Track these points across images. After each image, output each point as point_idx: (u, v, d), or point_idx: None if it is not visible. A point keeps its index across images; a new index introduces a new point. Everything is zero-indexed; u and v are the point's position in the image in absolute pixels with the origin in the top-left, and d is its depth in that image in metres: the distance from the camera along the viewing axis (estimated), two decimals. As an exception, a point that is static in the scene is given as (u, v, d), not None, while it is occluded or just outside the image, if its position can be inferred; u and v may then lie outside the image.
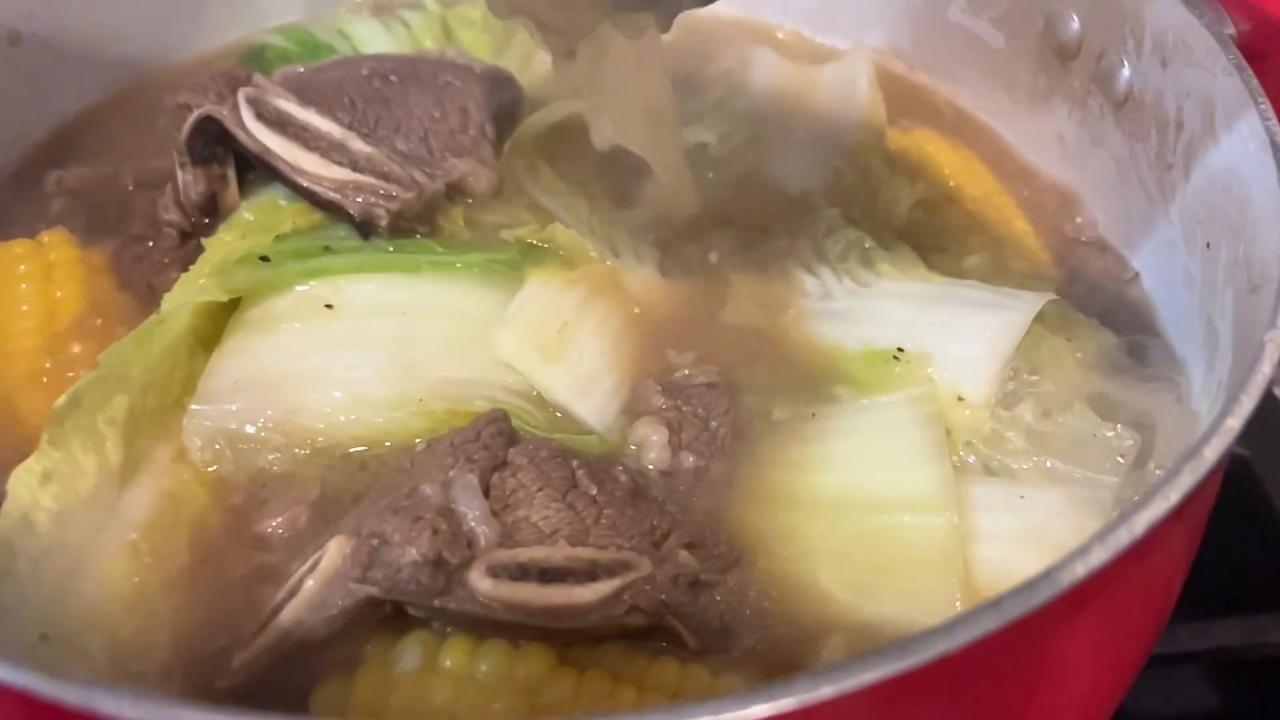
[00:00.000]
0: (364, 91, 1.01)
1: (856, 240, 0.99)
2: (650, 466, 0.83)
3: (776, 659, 0.73)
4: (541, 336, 0.88)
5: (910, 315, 0.92)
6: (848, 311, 0.94)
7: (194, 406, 0.83)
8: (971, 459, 0.85)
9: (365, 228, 0.92)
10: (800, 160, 1.11)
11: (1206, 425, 0.63)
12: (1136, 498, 0.83)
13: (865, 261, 0.98)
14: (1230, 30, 0.95)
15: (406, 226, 0.94)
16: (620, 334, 0.93)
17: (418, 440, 0.83)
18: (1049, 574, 0.53)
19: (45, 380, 0.88)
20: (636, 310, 0.95)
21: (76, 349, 0.90)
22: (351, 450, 0.83)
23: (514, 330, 0.88)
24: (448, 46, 1.17)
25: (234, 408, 0.83)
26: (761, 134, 1.13)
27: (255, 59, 1.19)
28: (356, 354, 0.86)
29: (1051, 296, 0.94)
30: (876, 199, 1.08)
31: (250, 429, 0.83)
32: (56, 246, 0.96)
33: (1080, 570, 0.54)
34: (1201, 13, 0.92)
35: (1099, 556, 0.54)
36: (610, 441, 0.85)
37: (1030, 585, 0.53)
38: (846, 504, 0.81)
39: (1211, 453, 0.60)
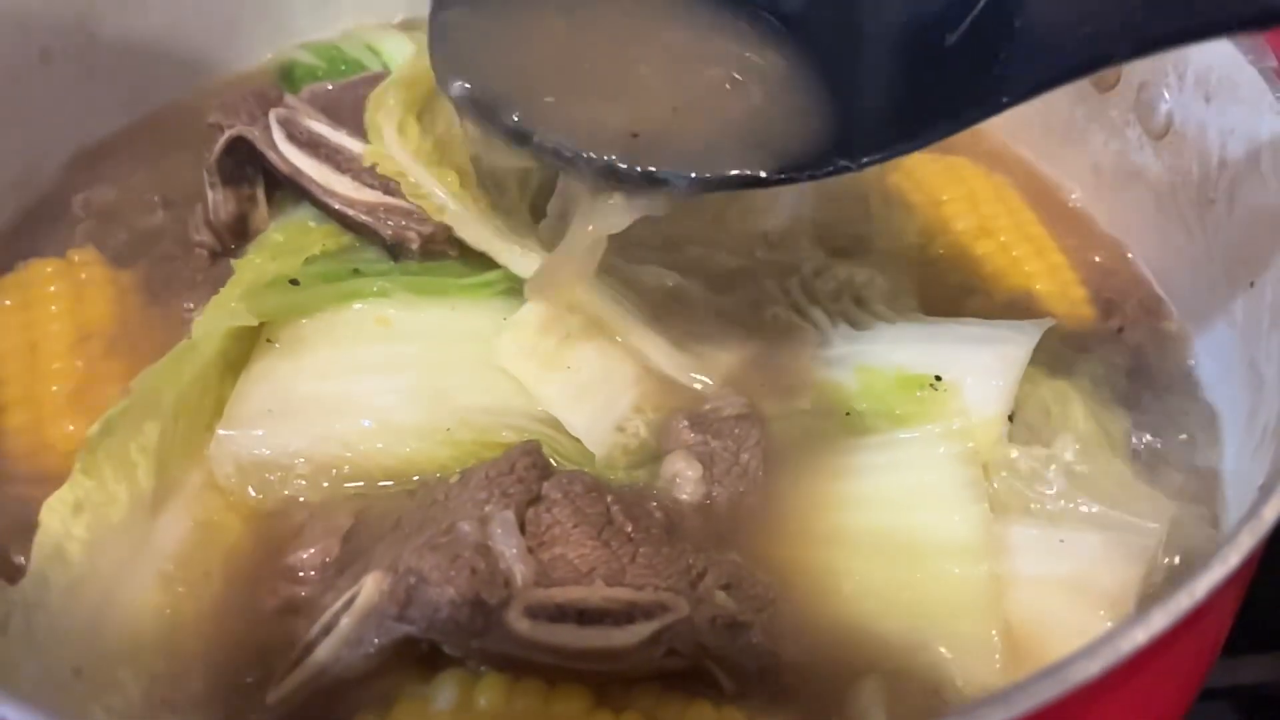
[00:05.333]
0: (398, 111, 1.00)
1: (847, 280, 0.96)
2: (684, 498, 0.81)
3: (812, 701, 0.72)
4: (542, 344, 0.86)
5: (908, 357, 0.89)
6: (844, 357, 0.91)
7: (221, 432, 0.83)
8: (1007, 496, 0.83)
9: (396, 250, 0.92)
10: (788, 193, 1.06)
11: (1263, 477, 0.62)
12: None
13: (859, 301, 0.95)
14: (1273, 64, 0.93)
15: (437, 250, 0.93)
16: (623, 356, 0.89)
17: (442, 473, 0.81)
18: (1111, 640, 0.52)
19: (76, 401, 0.87)
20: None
21: (107, 369, 0.90)
22: (380, 483, 0.82)
23: (514, 335, 0.87)
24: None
25: (261, 433, 0.82)
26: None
27: (285, 77, 1.18)
28: (383, 379, 0.85)
29: (1051, 323, 0.91)
30: (889, 227, 1.06)
31: (277, 456, 0.82)
32: (86, 266, 0.95)
33: (1141, 637, 0.53)
34: (1247, 49, 0.91)
35: (1160, 622, 0.53)
36: (635, 474, 0.83)
37: (1092, 651, 0.52)
38: (884, 545, 0.79)
39: (1271, 512, 0.59)
